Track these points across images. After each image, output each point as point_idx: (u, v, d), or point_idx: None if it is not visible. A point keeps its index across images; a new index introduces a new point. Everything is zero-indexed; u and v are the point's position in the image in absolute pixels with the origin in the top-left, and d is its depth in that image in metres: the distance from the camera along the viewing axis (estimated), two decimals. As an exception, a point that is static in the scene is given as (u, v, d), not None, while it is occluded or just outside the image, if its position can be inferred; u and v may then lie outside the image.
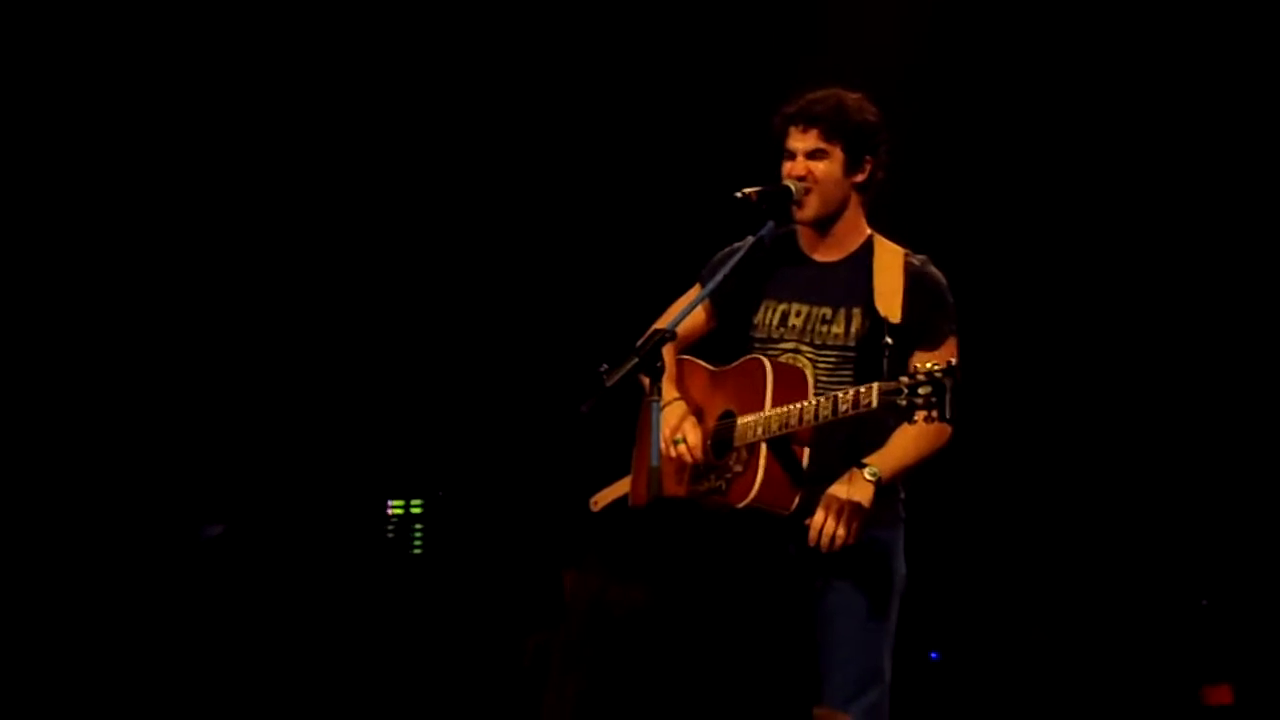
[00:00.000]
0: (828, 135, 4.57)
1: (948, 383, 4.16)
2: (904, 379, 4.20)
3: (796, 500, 4.47)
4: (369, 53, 7.20)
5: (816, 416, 4.36)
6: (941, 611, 6.67)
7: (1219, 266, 6.55)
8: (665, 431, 4.60)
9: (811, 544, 4.41)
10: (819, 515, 4.41)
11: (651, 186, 6.97)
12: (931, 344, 4.53)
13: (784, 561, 4.54)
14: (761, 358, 4.56)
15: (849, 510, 4.41)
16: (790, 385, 4.49)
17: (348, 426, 7.36)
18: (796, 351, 4.59)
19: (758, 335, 4.66)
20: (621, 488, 4.83)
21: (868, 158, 4.60)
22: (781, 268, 4.68)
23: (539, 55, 7.09)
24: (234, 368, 7.27)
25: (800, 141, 4.59)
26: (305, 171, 7.27)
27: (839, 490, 4.44)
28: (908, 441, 4.49)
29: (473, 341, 7.37)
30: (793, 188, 4.57)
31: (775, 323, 4.64)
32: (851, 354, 4.55)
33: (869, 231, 4.67)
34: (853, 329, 4.56)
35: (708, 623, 4.57)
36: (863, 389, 4.28)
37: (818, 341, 4.58)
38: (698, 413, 4.66)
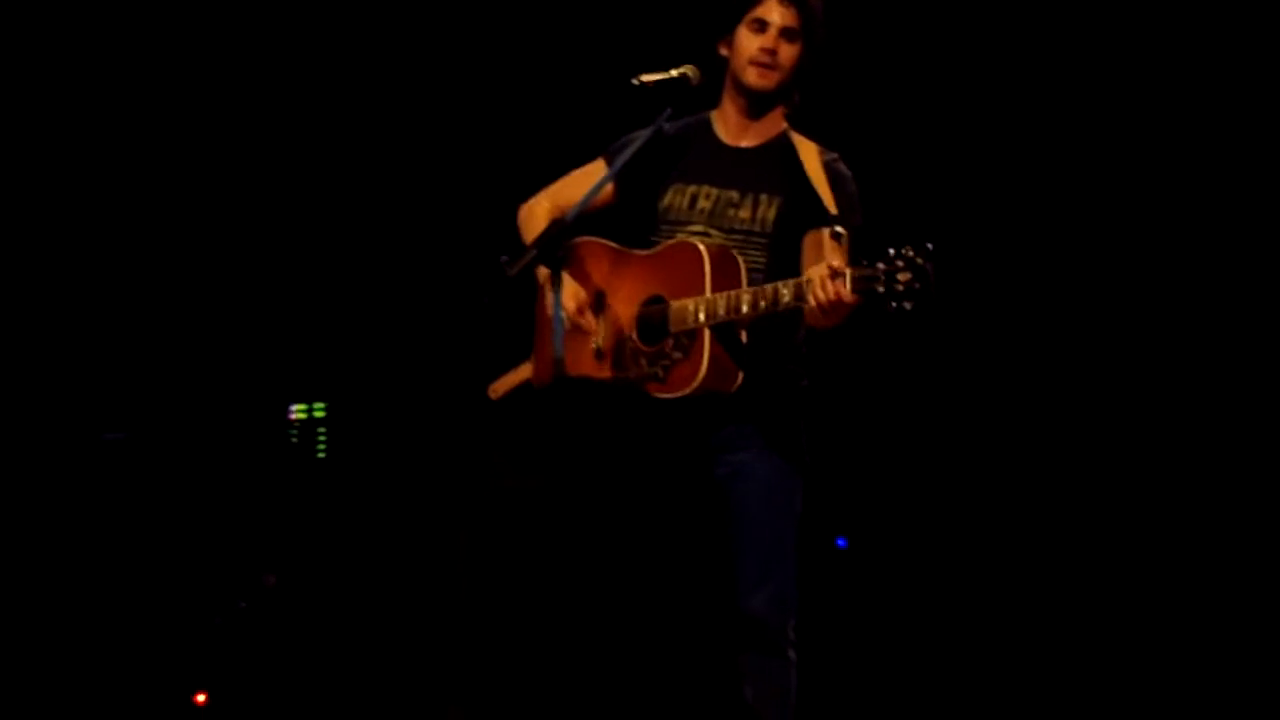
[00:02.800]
0: (804, 24, 4.56)
1: (930, 268, 4.05)
2: (880, 265, 4.09)
3: (739, 380, 4.45)
4: None
5: (776, 303, 4.30)
6: (848, 498, 6.72)
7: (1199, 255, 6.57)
8: (569, 305, 4.54)
9: (816, 303, 4.23)
10: (822, 282, 4.21)
11: (548, 72, 6.93)
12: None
13: (695, 445, 4.54)
14: (694, 240, 4.51)
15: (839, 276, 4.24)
16: (726, 269, 4.44)
17: (247, 331, 7.30)
18: (705, 234, 4.58)
19: (668, 218, 4.65)
20: (521, 374, 4.79)
21: (814, 60, 4.61)
22: (693, 151, 4.66)
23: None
24: (133, 274, 7.18)
25: (779, 16, 4.55)
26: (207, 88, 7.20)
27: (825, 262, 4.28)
28: None
29: (366, 236, 7.30)
30: (690, 75, 4.56)
31: (685, 205, 4.63)
32: (760, 239, 4.54)
33: (785, 125, 4.67)
34: (759, 213, 4.56)
35: (607, 507, 4.57)
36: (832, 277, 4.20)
37: (725, 225, 4.57)
38: (602, 295, 4.61)
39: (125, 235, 7.20)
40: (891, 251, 4.10)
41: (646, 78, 4.53)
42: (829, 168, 4.56)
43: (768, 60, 4.54)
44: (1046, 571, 6.59)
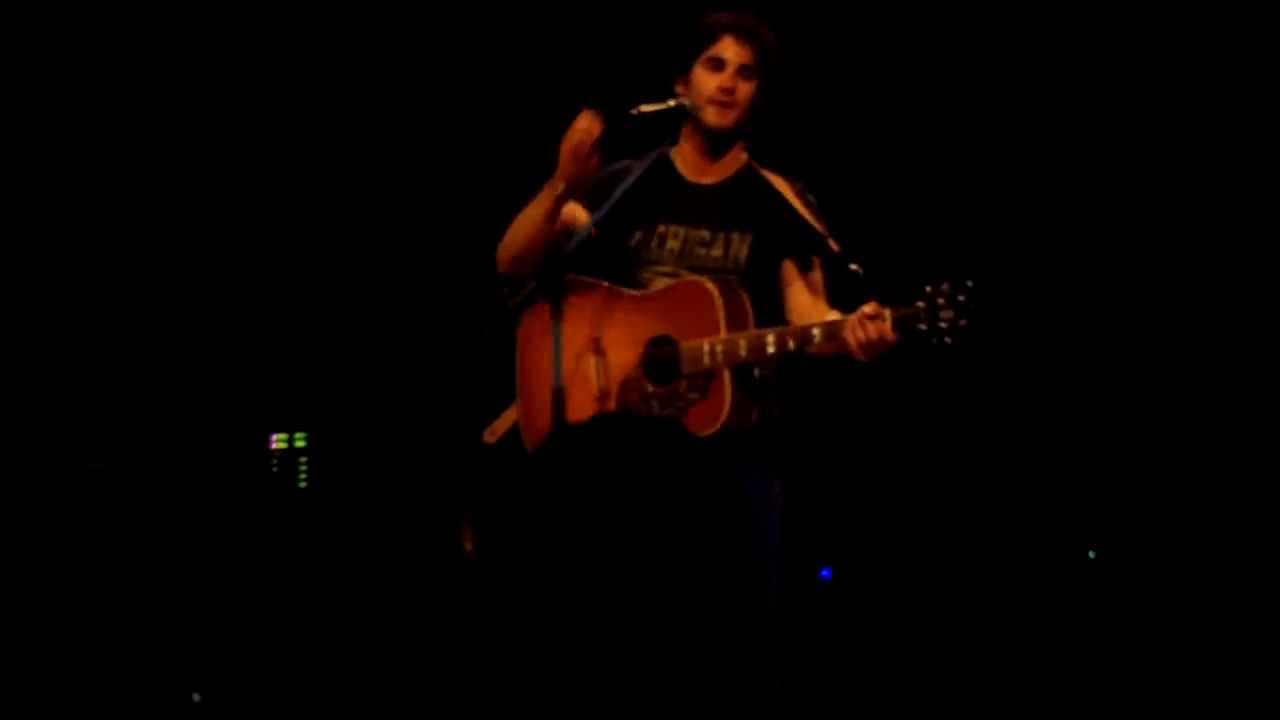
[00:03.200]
0: (759, 61, 4.56)
1: (972, 305, 4.06)
2: (920, 304, 4.11)
3: (755, 416, 4.45)
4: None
5: (805, 343, 4.29)
6: (831, 530, 6.73)
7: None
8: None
9: (857, 343, 4.21)
10: (861, 323, 4.20)
11: (538, 104, 6.94)
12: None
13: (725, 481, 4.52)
14: (702, 280, 4.48)
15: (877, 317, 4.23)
16: (736, 308, 4.43)
17: (228, 359, 7.27)
18: (674, 275, 4.57)
19: (638, 257, 4.62)
20: (514, 414, 4.75)
21: (768, 94, 4.61)
22: (659, 190, 4.65)
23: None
24: (114, 303, 7.14)
25: (735, 54, 4.54)
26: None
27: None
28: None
29: (359, 268, 7.29)
30: (687, 104, 4.56)
31: (655, 245, 4.61)
32: (733, 276, 4.54)
33: (746, 157, 4.67)
34: (731, 251, 4.56)
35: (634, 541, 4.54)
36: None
37: (696, 265, 4.55)
38: (596, 336, 4.58)
39: (107, 264, 7.17)
40: (929, 289, 4.11)
41: (645, 108, 4.52)
42: (801, 197, 4.57)
43: (725, 99, 4.52)
44: (1030, 601, 6.60)
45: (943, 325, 4.07)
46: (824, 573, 6.76)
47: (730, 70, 4.54)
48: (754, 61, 4.54)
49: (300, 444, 7.23)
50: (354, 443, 7.23)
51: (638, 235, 4.61)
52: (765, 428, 4.53)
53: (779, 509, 4.57)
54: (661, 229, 4.59)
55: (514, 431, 4.69)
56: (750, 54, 4.54)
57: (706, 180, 4.63)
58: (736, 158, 4.65)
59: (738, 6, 4.61)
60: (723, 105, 4.55)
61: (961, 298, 4.08)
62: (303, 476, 7.23)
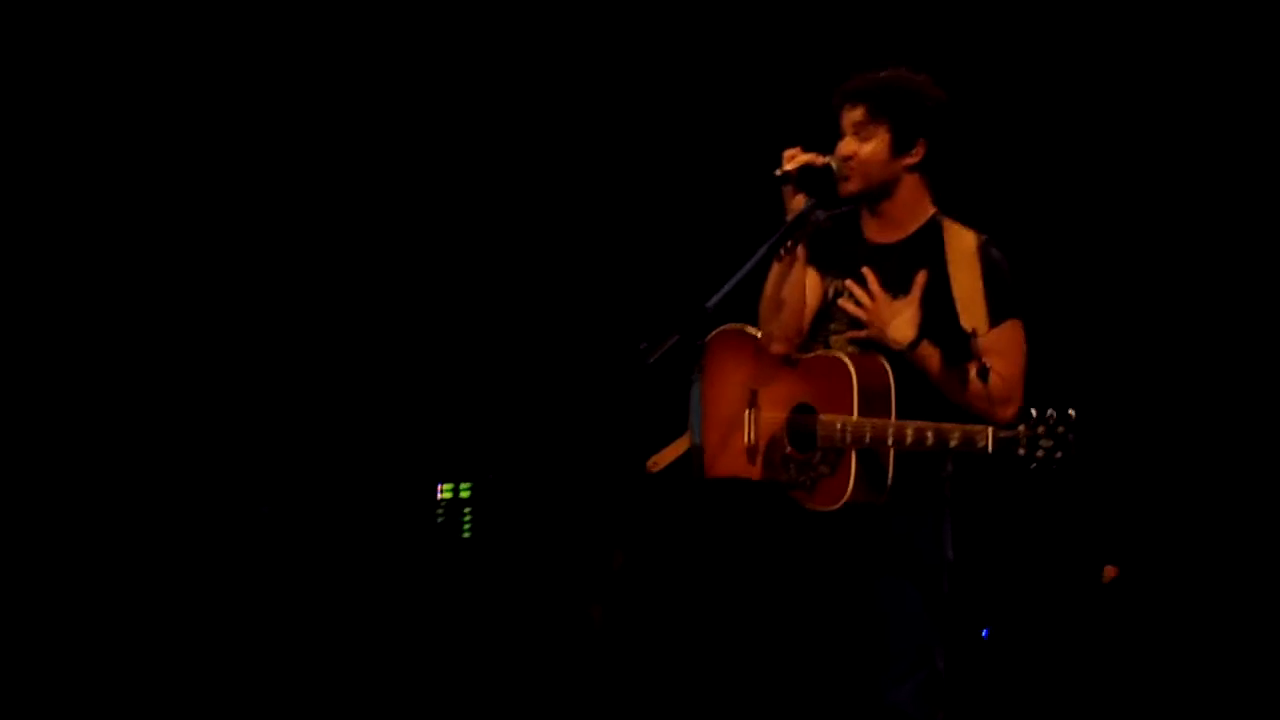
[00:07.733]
0: (874, 113, 4.51)
1: (1072, 439, 4.13)
2: (1023, 428, 4.17)
3: (888, 490, 4.44)
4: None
5: (919, 443, 4.31)
6: (990, 590, 6.64)
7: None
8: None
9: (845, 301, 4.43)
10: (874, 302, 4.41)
11: (697, 164, 6.94)
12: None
13: (840, 560, 4.53)
14: (844, 358, 4.47)
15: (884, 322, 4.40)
16: (873, 390, 4.42)
17: (395, 409, 7.35)
18: (841, 333, 4.56)
19: (815, 314, 4.63)
20: (681, 446, 4.76)
21: (920, 139, 4.54)
22: (837, 246, 4.63)
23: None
24: (285, 350, 7.25)
25: (847, 117, 4.54)
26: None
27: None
28: (962, 380, 4.43)
29: (517, 320, 7.34)
30: (834, 165, 4.52)
31: (831, 303, 4.60)
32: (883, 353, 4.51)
33: (932, 211, 4.60)
34: None
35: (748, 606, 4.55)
36: (977, 432, 4.24)
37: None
38: (753, 390, 4.58)
39: (283, 315, 7.28)
40: (1034, 413, 4.16)
41: (789, 167, 4.50)
42: (982, 255, 4.49)
43: (844, 167, 4.50)
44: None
45: (1040, 454, 4.14)
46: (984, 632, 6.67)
47: (848, 136, 4.53)
48: (866, 116, 4.50)
49: (465, 494, 7.29)
50: (518, 491, 7.27)
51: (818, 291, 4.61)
52: (913, 488, 4.48)
53: (934, 568, 4.53)
54: (837, 284, 4.58)
55: (678, 463, 4.72)
56: (860, 112, 4.50)
57: (884, 239, 4.59)
58: (918, 212, 4.56)
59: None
60: (843, 174, 4.52)
61: (1061, 429, 4.11)
62: (467, 526, 7.29)
